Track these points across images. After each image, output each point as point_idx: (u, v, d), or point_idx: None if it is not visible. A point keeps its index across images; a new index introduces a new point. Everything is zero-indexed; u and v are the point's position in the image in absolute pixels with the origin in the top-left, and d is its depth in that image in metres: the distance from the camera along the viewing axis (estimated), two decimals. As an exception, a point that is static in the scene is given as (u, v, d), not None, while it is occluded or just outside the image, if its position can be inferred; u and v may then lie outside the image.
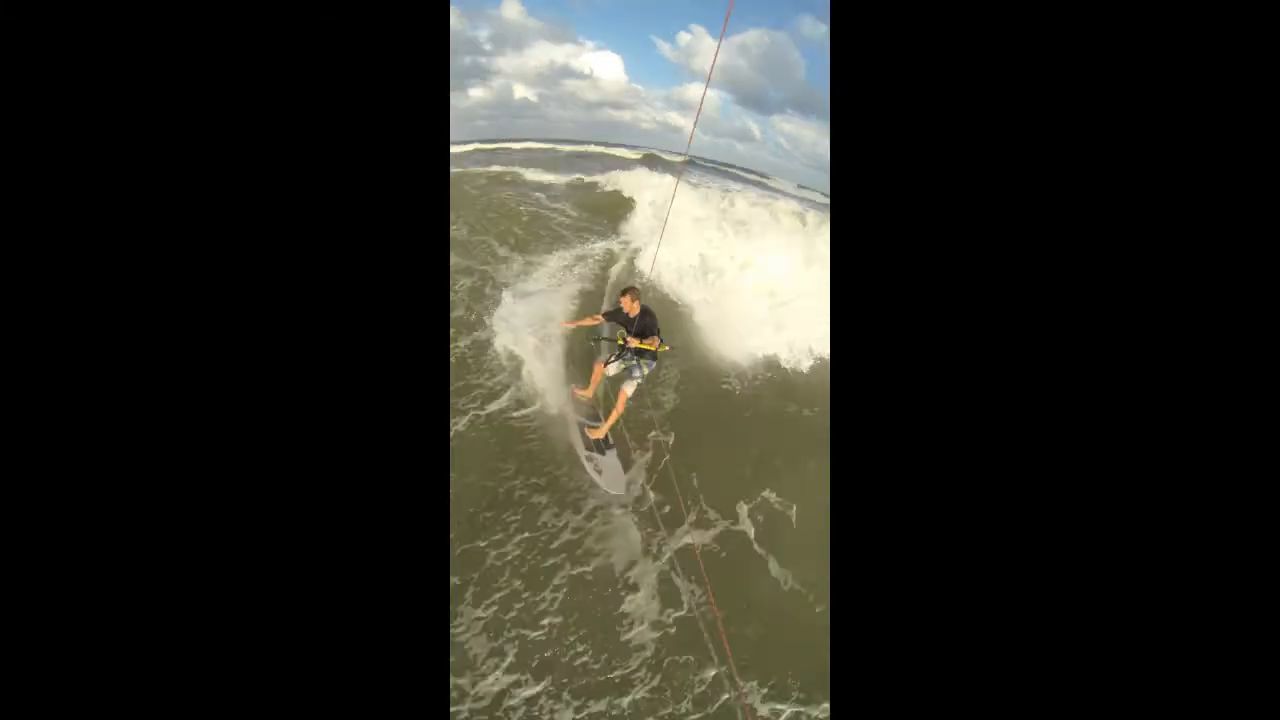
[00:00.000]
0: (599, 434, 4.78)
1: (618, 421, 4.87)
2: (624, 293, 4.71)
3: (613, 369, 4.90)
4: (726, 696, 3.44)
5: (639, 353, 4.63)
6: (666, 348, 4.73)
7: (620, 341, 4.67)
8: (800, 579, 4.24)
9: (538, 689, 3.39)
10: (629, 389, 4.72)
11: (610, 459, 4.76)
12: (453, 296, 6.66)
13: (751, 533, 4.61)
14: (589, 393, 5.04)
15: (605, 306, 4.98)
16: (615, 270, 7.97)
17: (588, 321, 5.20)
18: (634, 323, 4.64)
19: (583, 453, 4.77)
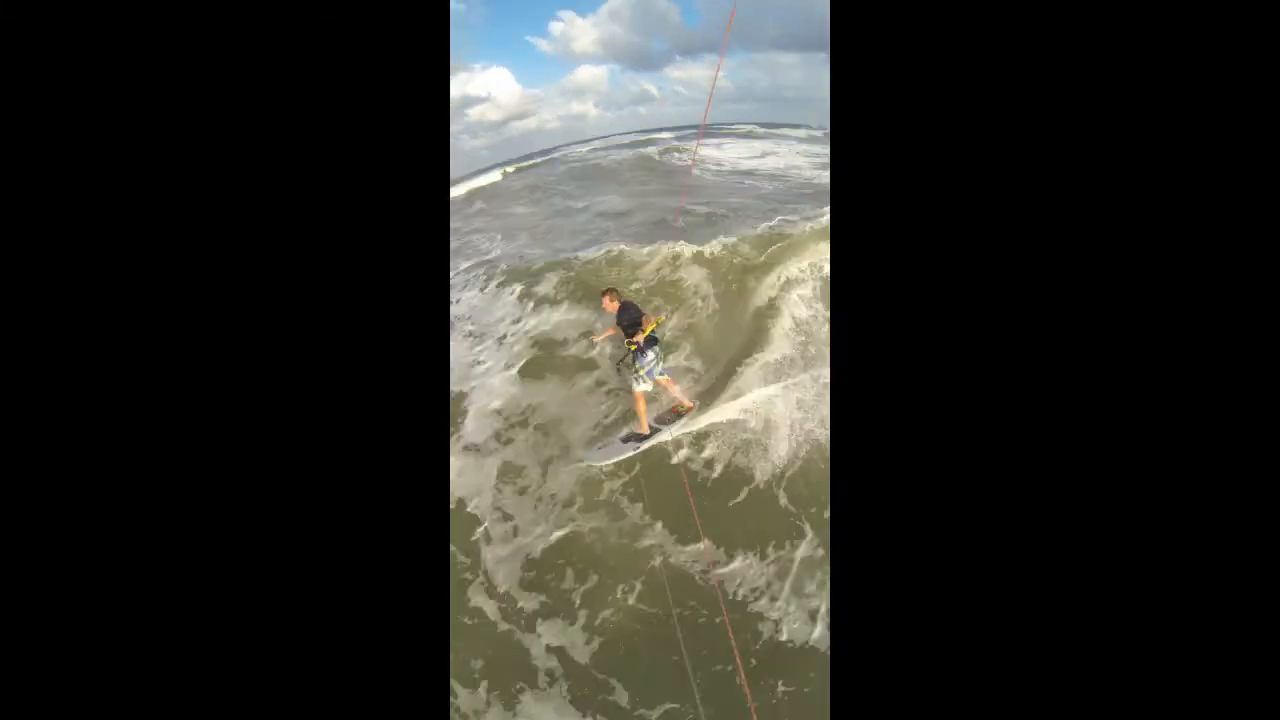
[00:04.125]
0: (642, 428, 5.16)
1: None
2: (602, 295, 4.97)
3: (643, 386, 5.01)
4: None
5: (648, 343, 4.80)
6: (661, 319, 4.96)
7: (632, 346, 4.83)
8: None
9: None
10: (644, 386, 4.92)
11: (623, 447, 5.04)
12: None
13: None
14: (644, 426, 5.20)
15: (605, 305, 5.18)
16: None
17: (611, 333, 5.34)
18: (620, 320, 4.92)
19: (621, 434, 5.22)
